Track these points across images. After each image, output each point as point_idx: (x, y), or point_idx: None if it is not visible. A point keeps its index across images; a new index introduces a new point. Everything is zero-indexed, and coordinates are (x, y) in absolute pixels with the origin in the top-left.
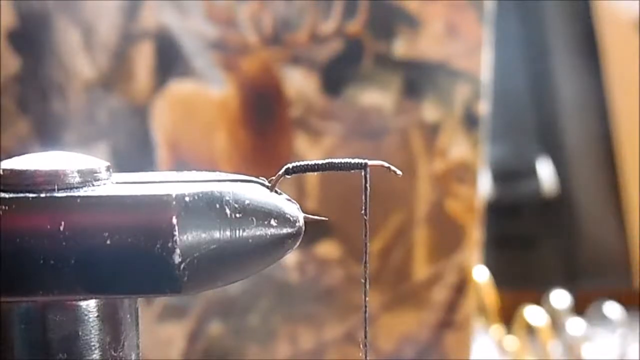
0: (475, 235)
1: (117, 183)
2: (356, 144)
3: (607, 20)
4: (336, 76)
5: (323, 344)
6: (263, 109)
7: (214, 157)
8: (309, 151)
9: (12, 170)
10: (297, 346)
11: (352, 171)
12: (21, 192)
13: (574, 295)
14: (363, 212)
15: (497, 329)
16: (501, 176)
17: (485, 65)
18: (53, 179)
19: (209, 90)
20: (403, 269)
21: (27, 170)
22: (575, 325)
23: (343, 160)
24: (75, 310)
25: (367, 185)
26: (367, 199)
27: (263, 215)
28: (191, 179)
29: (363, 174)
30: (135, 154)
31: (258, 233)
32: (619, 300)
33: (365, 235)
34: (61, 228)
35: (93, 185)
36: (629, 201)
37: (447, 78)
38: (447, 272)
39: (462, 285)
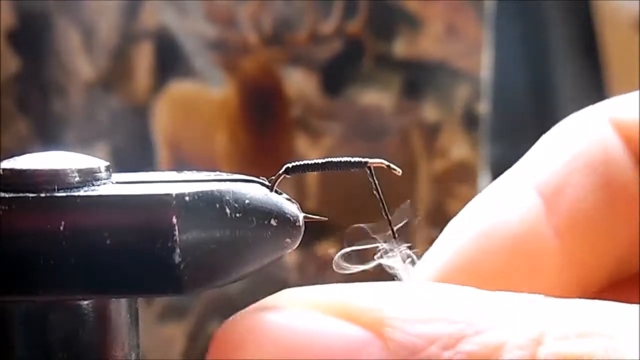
0: None
1: (117, 183)
2: (356, 144)
3: (607, 20)
4: (336, 76)
5: None
6: (263, 109)
7: (214, 157)
8: (309, 151)
9: (12, 170)
10: None
11: (352, 170)
12: (21, 192)
13: None
14: (383, 211)
15: None
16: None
17: (485, 65)
18: (53, 179)
19: (209, 90)
20: None
21: (27, 170)
22: None
23: (343, 159)
24: (75, 310)
25: (376, 183)
26: (382, 196)
27: (263, 215)
28: (191, 179)
29: (369, 172)
30: (135, 154)
31: (258, 233)
32: None
33: (394, 235)
34: (61, 228)
35: (93, 185)
36: None
37: (447, 78)
38: None
39: None
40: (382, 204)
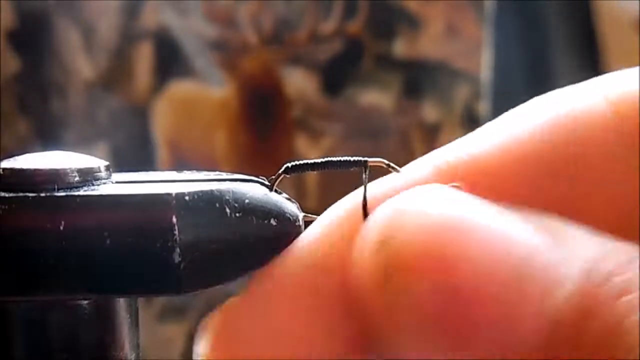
0: None
1: (117, 182)
2: (356, 144)
3: (607, 20)
4: (336, 76)
5: None
6: (263, 109)
7: (214, 157)
8: (309, 151)
9: (12, 170)
10: None
11: (352, 170)
12: (21, 191)
13: None
14: (362, 211)
15: None
16: None
17: (485, 65)
18: (53, 179)
19: (209, 90)
20: None
21: (27, 170)
22: None
23: (342, 159)
24: (75, 310)
25: (367, 183)
26: (366, 197)
27: (263, 214)
28: (191, 179)
29: (363, 171)
30: (135, 154)
31: (258, 232)
32: None
33: None
34: (61, 228)
35: (93, 184)
36: None
37: (447, 78)
38: None
39: None
40: (364, 205)
